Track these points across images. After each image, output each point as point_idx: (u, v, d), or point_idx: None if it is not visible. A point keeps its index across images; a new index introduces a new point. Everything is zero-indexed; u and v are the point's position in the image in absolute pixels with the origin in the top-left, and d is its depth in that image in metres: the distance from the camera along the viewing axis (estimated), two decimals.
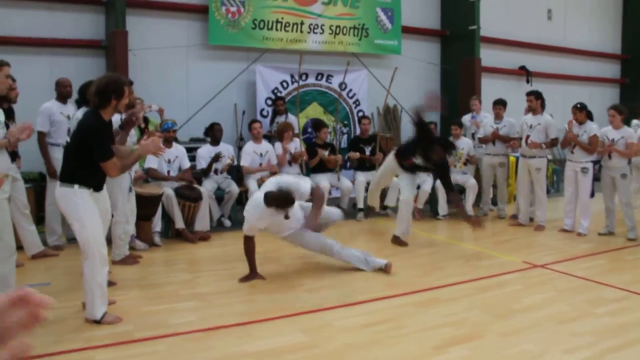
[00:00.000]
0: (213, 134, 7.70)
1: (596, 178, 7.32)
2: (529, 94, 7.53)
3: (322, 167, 8.30)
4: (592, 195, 7.06)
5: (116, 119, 5.13)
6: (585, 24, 14.54)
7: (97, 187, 4.03)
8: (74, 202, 3.88)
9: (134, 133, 5.66)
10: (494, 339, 3.73)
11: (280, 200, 4.76)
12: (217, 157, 7.42)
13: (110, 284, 4.84)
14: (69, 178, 3.91)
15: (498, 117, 8.26)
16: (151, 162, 6.77)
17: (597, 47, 14.77)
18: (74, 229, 3.95)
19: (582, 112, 7.04)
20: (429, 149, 6.16)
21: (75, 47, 8.26)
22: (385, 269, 5.31)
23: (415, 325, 3.97)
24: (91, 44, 8.39)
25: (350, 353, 3.50)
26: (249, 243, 5.12)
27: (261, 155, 7.80)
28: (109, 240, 5.17)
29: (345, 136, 9.93)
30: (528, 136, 7.38)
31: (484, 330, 3.87)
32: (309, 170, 8.28)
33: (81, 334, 3.75)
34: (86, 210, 3.88)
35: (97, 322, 3.90)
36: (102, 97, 3.90)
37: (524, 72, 12.97)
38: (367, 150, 8.60)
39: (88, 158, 3.88)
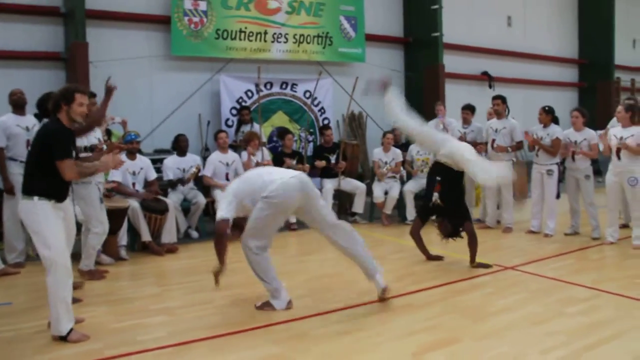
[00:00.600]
0: (178, 145, 7.57)
1: (561, 179, 7.43)
2: (495, 97, 7.64)
3: None
4: (558, 196, 7.15)
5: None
6: (545, 30, 14.86)
7: (59, 198, 3.90)
8: (34, 214, 3.77)
9: (99, 133, 5.57)
10: (470, 343, 3.70)
11: None
12: (191, 176, 7.32)
13: (76, 300, 4.69)
14: (29, 190, 3.82)
15: (466, 122, 8.32)
16: (115, 175, 6.61)
17: (556, 52, 15.11)
18: (35, 243, 3.83)
19: (548, 115, 7.19)
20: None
21: (32, 60, 8.06)
22: (381, 294, 4.59)
23: (392, 332, 3.93)
24: (50, 56, 8.20)
25: None
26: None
27: (227, 164, 7.69)
28: (77, 255, 5.04)
29: (310, 144, 9.89)
30: (494, 140, 7.46)
31: (461, 334, 3.85)
32: None
33: (46, 354, 3.59)
34: (47, 222, 3.76)
35: (63, 338, 3.75)
36: (53, 104, 3.97)
37: (487, 78, 13.16)
38: (332, 158, 8.55)
39: (48, 165, 3.79)
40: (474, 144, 8.02)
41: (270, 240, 4.47)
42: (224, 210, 4.27)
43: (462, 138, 8.12)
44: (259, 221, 4.28)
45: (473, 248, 5.68)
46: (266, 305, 4.45)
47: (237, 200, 4.32)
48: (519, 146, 7.46)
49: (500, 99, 7.57)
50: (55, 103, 3.96)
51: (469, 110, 8.32)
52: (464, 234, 5.68)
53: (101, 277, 5.44)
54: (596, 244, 6.67)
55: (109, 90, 5.42)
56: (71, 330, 3.80)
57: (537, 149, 7.17)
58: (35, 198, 3.77)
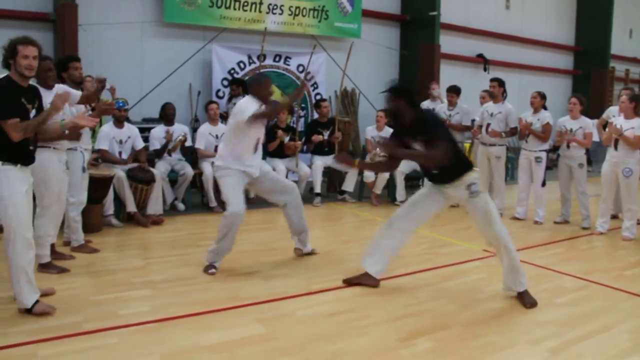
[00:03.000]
0: (165, 113, 7.39)
1: (548, 167, 7.37)
2: (493, 80, 7.49)
3: (280, 152, 8.10)
4: (544, 184, 7.10)
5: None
6: (542, 15, 14.74)
7: (24, 161, 3.71)
8: None
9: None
10: (459, 329, 3.65)
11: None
12: (169, 137, 7.14)
13: (63, 270, 4.59)
14: None
15: (451, 104, 8.21)
16: (102, 143, 6.45)
17: (553, 38, 15.01)
18: None
19: (542, 100, 7.12)
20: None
21: (18, 19, 7.79)
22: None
23: (379, 315, 3.86)
24: (38, 17, 7.94)
25: (312, 345, 3.35)
26: None
27: (217, 137, 7.54)
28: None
29: (302, 119, 9.74)
30: (489, 124, 7.36)
31: (449, 320, 3.79)
32: (267, 153, 8.07)
33: (21, 326, 3.48)
34: (10, 188, 3.57)
35: (29, 310, 3.63)
36: (3, 59, 3.76)
37: (482, 60, 13.05)
38: (326, 134, 8.42)
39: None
40: (459, 127, 7.97)
41: None
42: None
43: (447, 121, 8.03)
44: None
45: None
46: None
47: None
48: (513, 132, 7.36)
49: (497, 81, 7.42)
50: (4, 59, 3.73)
51: (454, 92, 8.20)
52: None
53: (93, 250, 5.28)
54: (586, 233, 6.64)
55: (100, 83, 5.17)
56: (37, 302, 3.67)
57: (527, 134, 7.09)
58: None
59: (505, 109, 7.35)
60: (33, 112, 3.75)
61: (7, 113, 3.55)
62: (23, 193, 3.66)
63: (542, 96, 7.12)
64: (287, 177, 7.72)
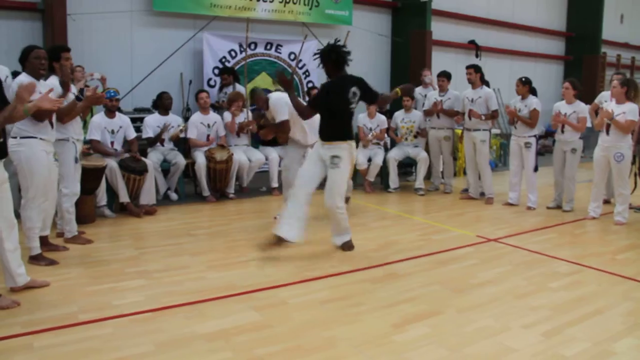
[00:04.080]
0: (162, 102, 7.33)
1: (539, 152, 7.39)
2: (468, 67, 7.55)
3: (273, 141, 8.04)
4: (536, 169, 7.13)
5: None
6: (534, 1, 14.73)
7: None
8: None
9: (74, 90, 5.27)
10: (453, 315, 3.66)
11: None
12: (165, 128, 7.11)
13: (52, 262, 4.57)
14: None
15: (442, 89, 8.20)
16: (93, 133, 6.41)
17: (544, 24, 15.00)
18: None
19: (525, 86, 7.16)
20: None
21: (6, 9, 7.69)
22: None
23: (373, 302, 3.86)
24: (25, 7, 7.84)
25: (307, 332, 3.36)
26: None
27: (209, 126, 7.51)
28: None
29: None
30: (471, 110, 7.38)
31: (443, 306, 3.80)
32: (259, 142, 8.05)
33: (17, 318, 3.47)
34: None
35: None
36: None
37: (474, 47, 13.02)
38: None
39: None
40: (450, 112, 7.97)
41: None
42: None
43: (439, 106, 8.02)
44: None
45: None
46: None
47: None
48: (494, 115, 7.40)
49: (473, 68, 7.47)
50: None
51: (444, 77, 8.18)
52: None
53: (87, 241, 5.26)
54: (578, 218, 6.66)
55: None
56: None
57: (516, 120, 7.12)
58: None
59: (484, 93, 7.39)
60: None
61: None
62: None
63: (525, 82, 7.16)
64: (279, 165, 7.72)
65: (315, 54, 5.21)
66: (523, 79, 7.21)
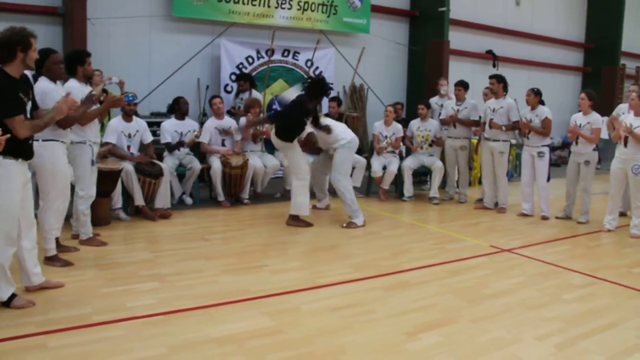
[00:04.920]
0: (179, 107, 7.38)
1: (554, 163, 7.37)
2: (491, 77, 7.53)
3: None
4: (548, 179, 7.11)
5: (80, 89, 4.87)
6: (552, 12, 14.65)
7: (25, 155, 3.70)
8: None
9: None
10: (466, 324, 3.65)
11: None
12: (179, 144, 7.19)
13: (67, 264, 4.61)
14: None
15: (459, 98, 8.18)
16: (110, 136, 6.47)
17: (563, 35, 14.92)
18: None
19: (537, 97, 7.17)
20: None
21: (27, 13, 7.81)
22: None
23: (386, 310, 3.86)
24: (46, 11, 7.96)
25: (319, 339, 3.36)
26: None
27: (224, 131, 7.56)
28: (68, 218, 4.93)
29: None
30: (491, 120, 7.36)
31: (456, 315, 3.79)
32: (274, 148, 8.07)
33: (31, 317, 3.51)
34: (8, 183, 3.55)
35: (5, 304, 3.63)
36: (5, 50, 3.56)
37: (491, 56, 12.99)
38: None
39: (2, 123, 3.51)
40: (467, 122, 7.97)
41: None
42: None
43: (454, 117, 8.02)
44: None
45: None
46: (351, 224, 6.40)
47: None
48: (514, 126, 7.36)
49: (495, 78, 7.45)
50: (9, 50, 3.56)
51: (461, 86, 8.17)
52: None
53: (102, 243, 5.29)
54: (593, 230, 6.61)
55: (90, 100, 4.85)
56: (14, 295, 3.67)
57: (528, 131, 7.11)
58: (0, 157, 3.54)
59: (506, 103, 7.36)
60: (29, 105, 3.73)
61: (14, 110, 3.54)
62: (20, 189, 3.65)
63: (536, 93, 7.19)
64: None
65: (306, 81, 6.49)
66: (535, 90, 7.22)
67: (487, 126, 7.45)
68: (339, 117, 8.48)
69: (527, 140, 7.21)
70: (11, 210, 3.59)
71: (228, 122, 7.67)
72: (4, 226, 3.56)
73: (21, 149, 3.65)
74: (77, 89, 4.80)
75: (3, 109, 3.50)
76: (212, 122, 7.59)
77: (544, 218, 7.08)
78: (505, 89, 7.46)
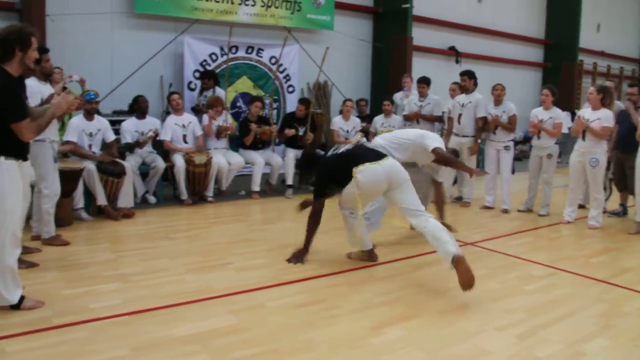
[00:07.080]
0: (138, 106, 7.30)
1: (516, 157, 7.54)
2: (462, 73, 7.63)
3: (254, 144, 8.06)
4: (513, 172, 7.29)
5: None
6: (514, 9, 14.91)
7: (24, 156, 3.65)
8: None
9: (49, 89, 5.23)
10: (429, 318, 3.69)
11: None
12: (136, 144, 7.09)
13: (32, 265, 4.52)
14: None
15: (422, 95, 8.28)
16: (71, 135, 6.35)
17: (523, 32, 15.20)
18: None
19: (503, 92, 7.44)
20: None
21: None
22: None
23: (350, 305, 3.89)
24: (3, 6, 7.77)
25: (284, 335, 3.36)
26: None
27: (183, 126, 7.49)
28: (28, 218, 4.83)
29: (275, 111, 9.72)
30: (460, 115, 7.46)
31: (420, 309, 3.83)
32: (239, 145, 8.05)
33: None
34: (11, 184, 3.50)
35: (16, 307, 3.57)
36: (2, 48, 3.47)
37: (454, 53, 13.15)
38: (301, 130, 8.39)
39: (4, 123, 3.45)
40: (430, 117, 8.08)
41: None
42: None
43: (418, 112, 8.11)
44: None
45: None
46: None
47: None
48: (483, 121, 7.44)
49: (467, 75, 7.56)
50: (8, 49, 3.47)
51: (424, 83, 8.27)
52: None
53: (64, 242, 5.21)
54: (553, 222, 6.76)
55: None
56: (23, 297, 3.62)
57: (495, 127, 7.25)
58: (2, 158, 3.47)
59: (475, 98, 7.48)
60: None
61: (23, 113, 3.49)
62: (20, 190, 3.60)
63: (503, 88, 7.44)
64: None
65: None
66: (503, 86, 7.45)
67: (455, 122, 7.55)
68: (305, 118, 8.49)
69: (494, 135, 7.36)
70: (16, 212, 3.54)
71: (187, 118, 7.61)
72: (11, 227, 3.51)
73: (22, 150, 3.61)
74: (35, 87, 4.70)
75: (13, 113, 3.43)
76: (171, 119, 7.51)
77: (505, 211, 7.22)
78: (475, 84, 7.59)
